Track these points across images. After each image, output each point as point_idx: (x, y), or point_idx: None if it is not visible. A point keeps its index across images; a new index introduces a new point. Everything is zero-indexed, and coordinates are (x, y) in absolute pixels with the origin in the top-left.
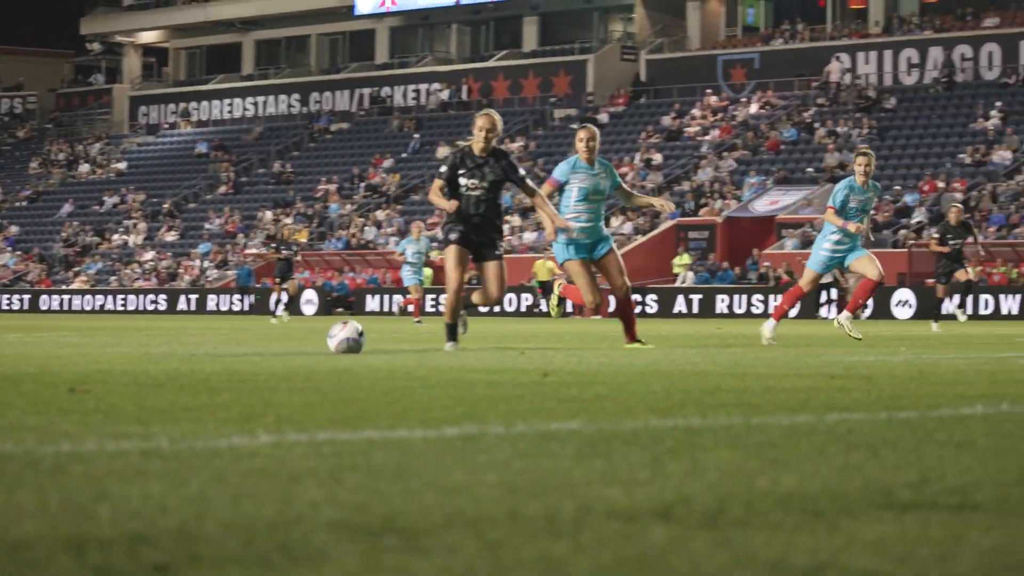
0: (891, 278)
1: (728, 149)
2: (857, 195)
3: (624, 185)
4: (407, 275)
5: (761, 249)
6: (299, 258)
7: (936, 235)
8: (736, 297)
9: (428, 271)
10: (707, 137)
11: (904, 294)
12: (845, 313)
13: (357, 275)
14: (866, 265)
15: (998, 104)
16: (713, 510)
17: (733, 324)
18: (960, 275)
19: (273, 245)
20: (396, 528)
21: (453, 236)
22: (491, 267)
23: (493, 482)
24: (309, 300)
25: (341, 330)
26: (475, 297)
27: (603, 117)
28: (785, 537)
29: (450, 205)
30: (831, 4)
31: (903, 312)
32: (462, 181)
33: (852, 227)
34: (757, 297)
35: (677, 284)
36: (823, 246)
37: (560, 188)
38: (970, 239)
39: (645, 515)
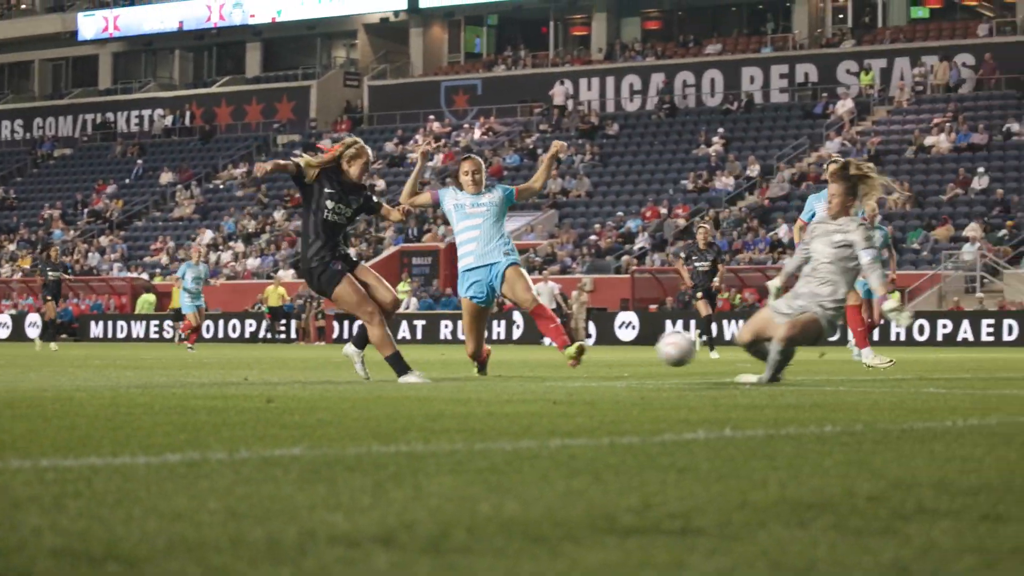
0: (615, 303)
1: (451, 175)
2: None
3: (521, 186)
4: (185, 302)
5: None
6: (69, 278)
7: (683, 255)
8: (459, 323)
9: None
10: (429, 164)
11: (628, 317)
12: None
13: (81, 301)
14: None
15: (720, 130)
16: (436, 535)
17: (457, 350)
18: (702, 308)
19: (39, 267)
20: (118, 555)
21: (338, 267)
22: (365, 272)
23: (215, 508)
24: (33, 323)
25: (676, 338)
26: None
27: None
28: (508, 563)
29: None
30: (554, 31)
31: (627, 335)
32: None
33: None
34: None
35: (400, 310)
36: None
37: (438, 203)
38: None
39: (368, 540)
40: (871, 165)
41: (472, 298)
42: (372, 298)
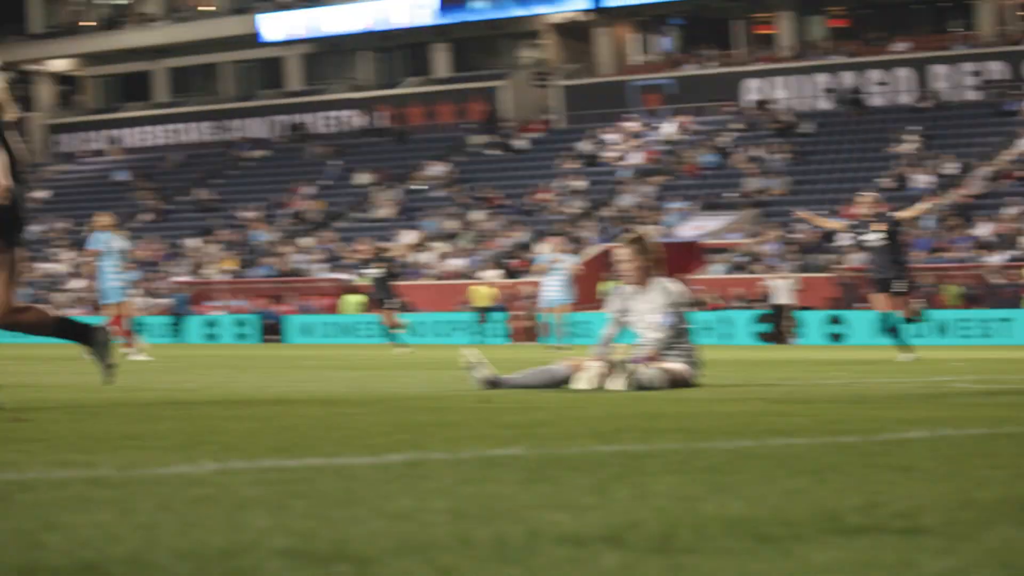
0: (819, 301)
1: (649, 174)
2: None
3: None
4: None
5: (687, 274)
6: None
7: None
8: None
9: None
10: (626, 162)
11: (834, 315)
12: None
13: (287, 303)
14: None
15: (912, 128)
16: (662, 535)
17: None
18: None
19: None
20: (346, 555)
21: None
22: None
23: (440, 508)
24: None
25: None
26: None
27: (520, 143)
28: (737, 562)
29: None
30: (738, 30)
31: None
32: None
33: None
34: None
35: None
36: None
37: None
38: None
39: (595, 540)
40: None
41: None
42: None
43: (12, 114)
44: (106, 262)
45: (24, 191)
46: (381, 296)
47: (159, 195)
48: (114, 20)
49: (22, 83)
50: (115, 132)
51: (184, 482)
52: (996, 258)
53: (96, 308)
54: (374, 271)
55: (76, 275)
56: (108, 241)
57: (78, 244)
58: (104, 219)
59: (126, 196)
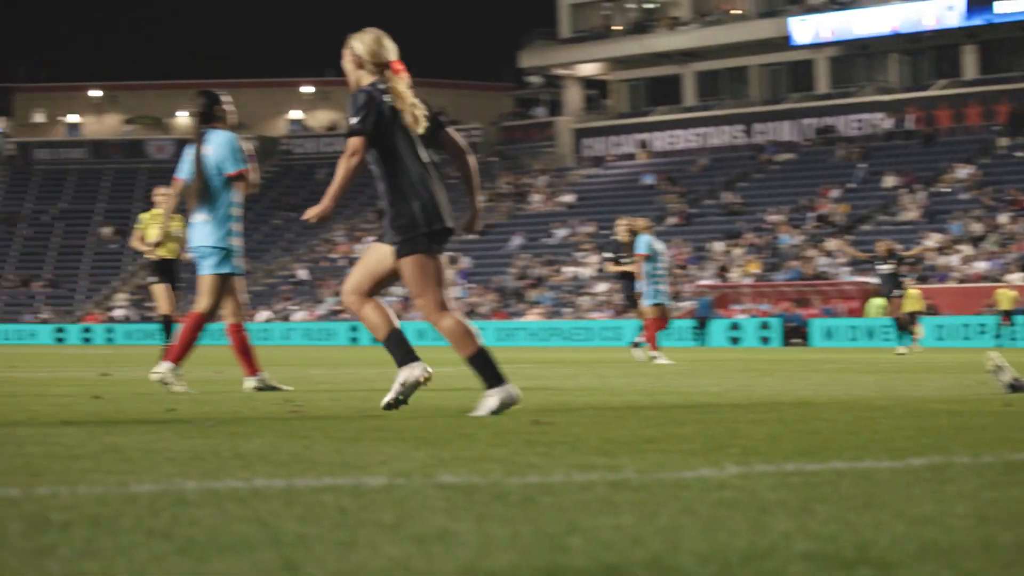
0: None
1: None
2: None
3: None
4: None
5: None
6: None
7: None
8: None
9: None
10: None
11: None
12: None
13: (811, 306)
14: None
15: None
16: None
17: None
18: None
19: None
20: (869, 559)
21: None
22: None
23: (963, 512)
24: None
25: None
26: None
27: None
28: None
29: None
30: None
31: None
32: None
33: None
34: None
35: None
36: None
37: None
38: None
39: None
40: None
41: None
42: None
43: (420, 127)
44: (649, 266)
45: (437, 199)
46: (889, 290)
47: (685, 199)
48: (643, 24)
49: (551, 87)
50: (643, 136)
51: (706, 485)
52: None
53: (622, 311)
54: (885, 267)
55: (600, 278)
56: (651, 244)
57: (601, 248)
58: (641, 223)
59: (652, 200)
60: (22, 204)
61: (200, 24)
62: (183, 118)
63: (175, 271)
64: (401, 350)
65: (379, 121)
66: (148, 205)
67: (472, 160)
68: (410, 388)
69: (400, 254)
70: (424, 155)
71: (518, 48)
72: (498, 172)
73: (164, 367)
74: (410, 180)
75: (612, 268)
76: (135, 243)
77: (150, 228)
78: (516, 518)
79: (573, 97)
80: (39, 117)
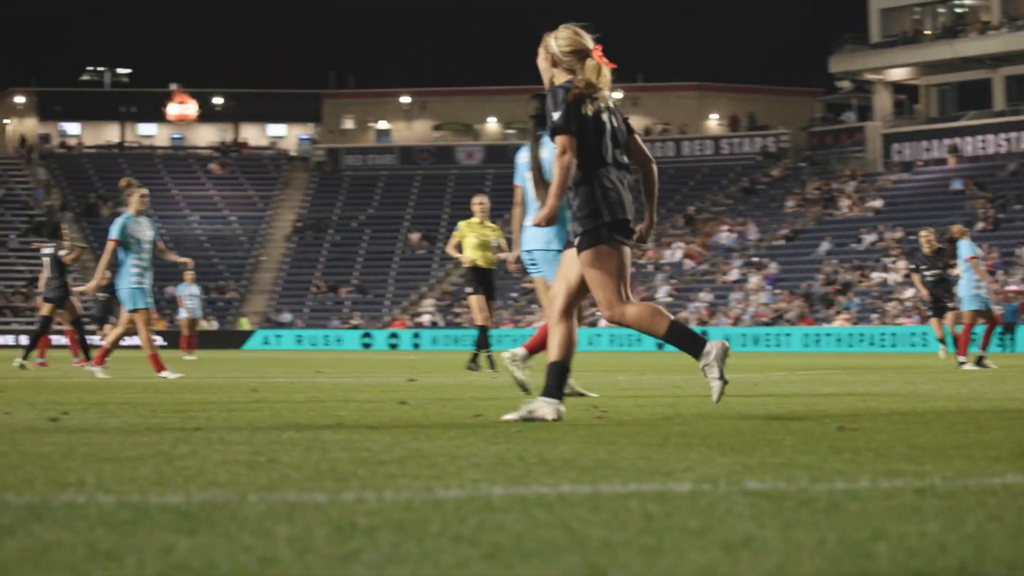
0: None
1: None
2: None
3: None
4: None
5: None
6: None
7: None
8: None
9: None
10: None
11: None
12: None
13: None
14: None
15: None
16: None
17: None
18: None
19: None
20: None
21: None
22: None
23: None
24: None
25: None
26: None
27: None
28: None
29: None
30: None
31: None
32: None
33: None
34: None
35: None
36: None
37: None
38: None
39: None
40: None
41: None
42: None
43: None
44: (969, 274)
45: (623, 195)
46: None
47: (993, 204)
48: (953, 28)
49: (861, 92)
50: (952, 141)
51: (1013, 492)
52: None
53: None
54: None
55: (907, 284)
56: (974, 249)
57: (907, 255)
58: (956, 229)
59: (960, 205)
60: (331, 210)
61: (504, 30)
62: (492, 124)
63: (491, 281)
64: (687, 339)
65: (580, 117)
66: (457, 211)
67: (655, 170)
68: (716, 364)
69: (581, 247)
70: (614, 152)
71: (828, 53)
72: (807, 177)
73: (520, 352)
74: (598, 173)
75: (917, 283)
76: (450, 250)
77: (468, 237)
78: (822, 525)
79: (883, 102)
80: (348, 123)
